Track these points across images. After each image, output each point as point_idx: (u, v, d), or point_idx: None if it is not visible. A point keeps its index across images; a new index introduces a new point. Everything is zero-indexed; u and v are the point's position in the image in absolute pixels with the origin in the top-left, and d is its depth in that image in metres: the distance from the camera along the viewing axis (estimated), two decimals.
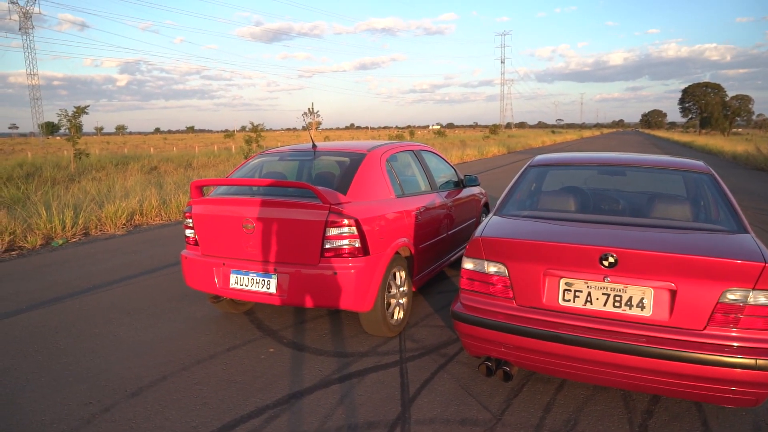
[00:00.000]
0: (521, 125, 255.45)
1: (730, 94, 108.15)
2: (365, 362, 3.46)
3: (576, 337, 2.42)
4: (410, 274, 4.14)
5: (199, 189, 3.90)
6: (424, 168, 4.84)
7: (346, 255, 3.43)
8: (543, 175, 3.58)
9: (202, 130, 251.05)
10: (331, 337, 3.88)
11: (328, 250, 3.43)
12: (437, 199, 4.71)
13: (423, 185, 4.68)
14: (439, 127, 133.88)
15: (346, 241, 3.43)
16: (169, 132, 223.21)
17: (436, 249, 4.62)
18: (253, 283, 3.60)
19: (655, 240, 2.51)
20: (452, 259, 5.10)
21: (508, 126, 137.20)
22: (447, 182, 5.28)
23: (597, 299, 2.47)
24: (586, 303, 2.49)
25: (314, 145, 4.38)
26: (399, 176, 4.27)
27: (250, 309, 4.45)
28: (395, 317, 3.92)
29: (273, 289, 3.53)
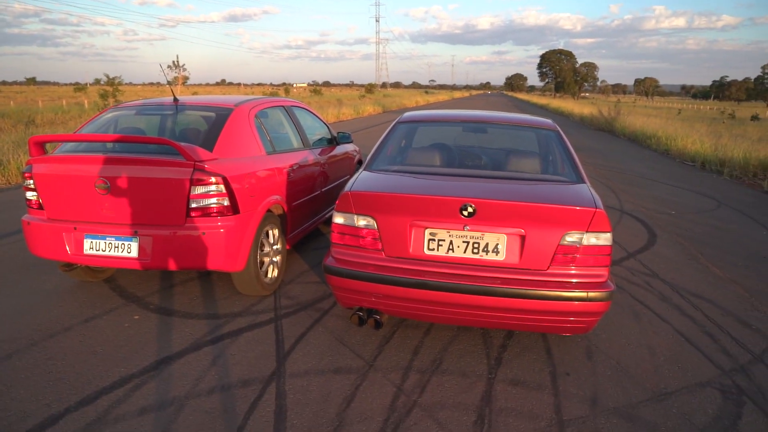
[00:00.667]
0: (396, 85, 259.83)
1: (580, 61, 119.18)
2: (239, 322, 3.41)
3: (440, 283, 2.59)
4: (284, 232, 4.10)
5: (40, 146, 3.46)
6: (296, 125, 4.75)
7: (214, 214, 3.30)
8: (411, 131, 3.70)
9: (46, 82, 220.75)
10: (203, 299, 3.75)
11: (195, 209, 3.26)
12: (310, 156, 4.66)
13: (295, 142, 4.60)
14: (306, 85, 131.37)
15: (213, 200, 3.28)
16: (4, 83, 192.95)
17: (309, 206, 4.61)
18: (111, 247, 3.33)
19: (508, 191, 2.74)
20: (327, 215, 5.13)
21: (384, 86, 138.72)
22: (320, 139, 5.24)
23: (458, 247, 2.65)
24: (448, 251, 2.66)
25: (176, 99, 4.08)
26: (270, 133, 4.15)
27: (110, 276, 4.13)
28: (269, 275, 3.88)
29: (134, 253, 3.30)
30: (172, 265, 3.31)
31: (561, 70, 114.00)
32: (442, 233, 2.66)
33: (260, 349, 3.07)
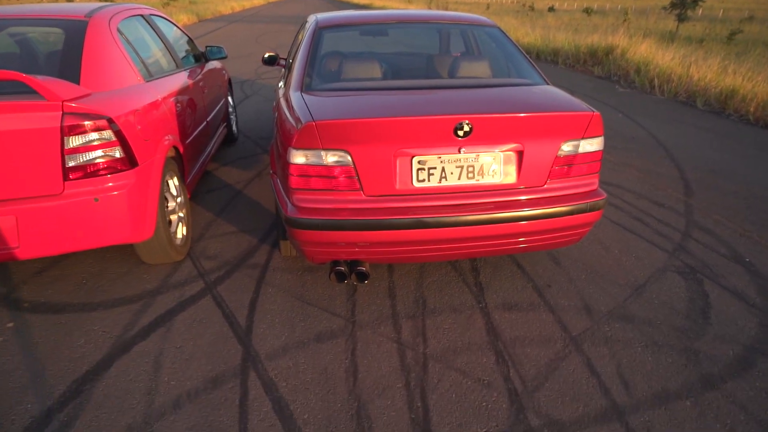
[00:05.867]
0: None
1: None
2: (163, 302, 2.69)
3: (438, 218, 2.21)
4: (182, 178, 3.28)
5: None
6: (163, 39, 3.72)
7: (104, 171, 2.42)
8: (335, 39, 3.06)
9: None
10: (96, 280, 2.89)
11: (75, 168, 2.35)
12: (187, 79, 3.73)
13: (166, 63, 3.61)
14: None
15: (100, 152, 2.40)
16: None
17: (200, 142, 3.78)
18: None
19: (500, 102, 2.37)
20: (213, 152, 4.29)
21: None
22: (186, 56, 4.24)
23: (451, 174, 2.26)
24: (441, 180, 2.26)
25: None
26: (139, 52, 3.15)
27: None
28: (179, 235, 3.12)
29: None
30: (51, 250, 2.41)
31: None
32: (432, 160, 2.23)
33: (211, 332, 2.45)
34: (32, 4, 3.32)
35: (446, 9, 22.68)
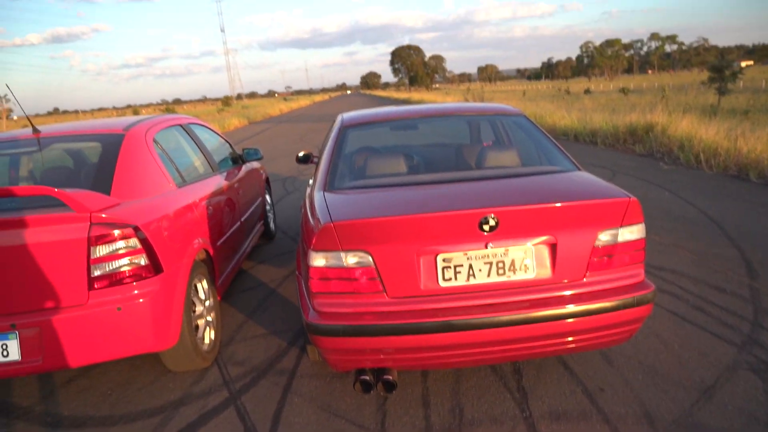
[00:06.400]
0: (252, 95, 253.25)
1: (428, 54, 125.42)
2: (186, 414, 2.56)
3: (469, 320, 2.04)
4: (212, 281, 3.26)
5: None
6: (199, 146, 3.89)
7: (129, 279, 2.42)
8: (361, 136, 3.09)
9: None
10: (121, 392, 2.80)
11: (100, 278, 2.36)
12: (222, 181, 3.84)
13: (202, 167, 3.75)
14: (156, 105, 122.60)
15: (125, 260, 2.40)
16: None
17: (233, 243, 3.80)
18: None
19: (527, 192, 2.26)
20: (248, 250, 4.32)
21: (239, 97, 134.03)
22: (225, 160, 4.40)
23: (480, 271, 2.12)
24: (469, 278, 2.12)
25: (36, 130, 3.04)
26: (174, 160, 3.28)
27: None
28: (207, 340, 3.04)
29: (16, 355, 2.31)
30: (75, 362, 2.38)
31: (412, 64, 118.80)
32: (458, 257, 2.11)
33: None
34: (80, 121, 3.56)
35: (482, 99, 23.41)
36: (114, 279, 2.38)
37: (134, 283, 2.42)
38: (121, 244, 2.39)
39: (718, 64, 17.02)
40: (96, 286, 2.35)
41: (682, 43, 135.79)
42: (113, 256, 2.36)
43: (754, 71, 60.61)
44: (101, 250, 2.33)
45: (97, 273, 2.35)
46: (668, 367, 2.69)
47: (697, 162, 8.11)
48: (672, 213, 5.54)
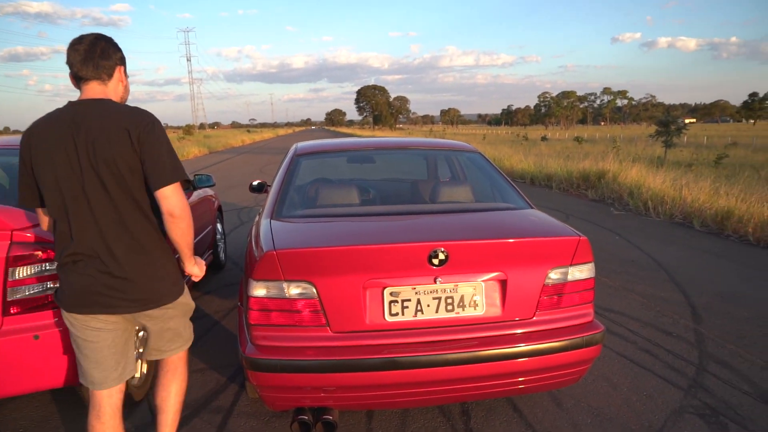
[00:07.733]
0: (215, 125, 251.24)
1: (393, 95, 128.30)
2: None
3: (415, 357, 1.95)
4: None
5: None
6: None
7: (50, 305, 2.22)
8: (314, 165, 3.02)
9: None
10: (38, 430, 2.54)
11: (17, 302, 2.15)
12: None
13: None
14: None
15: (47, 284, 2.21)
16: None
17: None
18: None
19: (477, 227, 2.23)
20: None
21: (202, 126, 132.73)
22: None
23: (428, 306, 2.04)
24: (416, 313, 2.04)
25: None
26: None
27: None
28: (137, 374, 2.82)
29: None
30: None
31: (377, 103, 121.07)
32: (406, 291, 2.03)
33: None
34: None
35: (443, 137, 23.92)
36: (33, 304, 2.18)
37: (54, 309, 2.22)
38: (44, 266, 2.20)
39: (665, 119, 17.96)
40: (12, 311, 2.15)
41: (632, 99, 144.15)
42: (33, 279, 2.17)
43: (696, 128, 64.73)
44: (20, 272, 2.14)
45: (14, 297, 2.14)
46: (616, 411, 2.65)
47: (646, 209, 8.41)
48: (621, 256, 5.66)
